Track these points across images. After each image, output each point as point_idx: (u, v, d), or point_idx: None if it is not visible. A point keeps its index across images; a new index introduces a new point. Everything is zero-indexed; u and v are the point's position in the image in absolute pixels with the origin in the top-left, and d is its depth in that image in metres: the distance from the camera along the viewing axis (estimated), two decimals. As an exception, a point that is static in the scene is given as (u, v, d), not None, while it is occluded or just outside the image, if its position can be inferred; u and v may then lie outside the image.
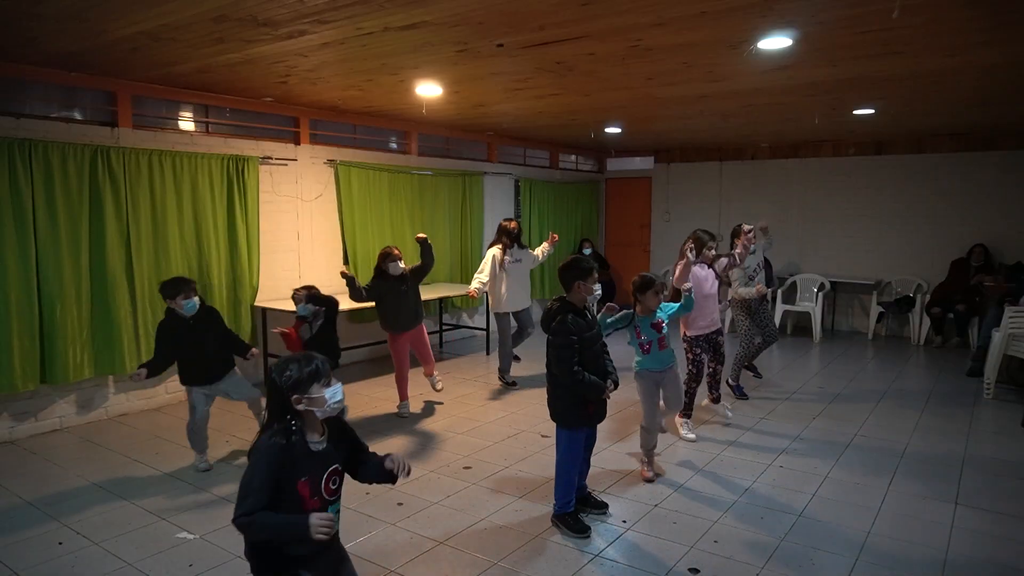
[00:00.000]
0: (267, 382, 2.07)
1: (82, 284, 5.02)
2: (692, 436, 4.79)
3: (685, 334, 4.90)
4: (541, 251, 6.40)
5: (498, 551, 3.25)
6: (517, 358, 6.56)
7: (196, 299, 4.13)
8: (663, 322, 4.01)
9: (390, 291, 5.24)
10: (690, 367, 4.91)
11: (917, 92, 5.54)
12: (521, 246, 6.35)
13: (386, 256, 5.22)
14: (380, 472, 2.24)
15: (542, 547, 3.30)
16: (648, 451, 4.11)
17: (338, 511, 2.17)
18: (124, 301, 5.24)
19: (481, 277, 6.12)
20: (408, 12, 3.41)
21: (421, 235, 5.39)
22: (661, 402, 4.10)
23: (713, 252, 4.93)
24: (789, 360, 7.48)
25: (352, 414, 5.39)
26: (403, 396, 5.50)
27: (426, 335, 5.63)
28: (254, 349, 4.45)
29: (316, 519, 1.96)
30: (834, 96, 5.73)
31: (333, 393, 2.07)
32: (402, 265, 5.24)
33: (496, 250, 6.16)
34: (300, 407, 2.04)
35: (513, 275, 6.19)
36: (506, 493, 3.92)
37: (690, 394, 4.88)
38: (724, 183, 10.13)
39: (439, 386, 5.71)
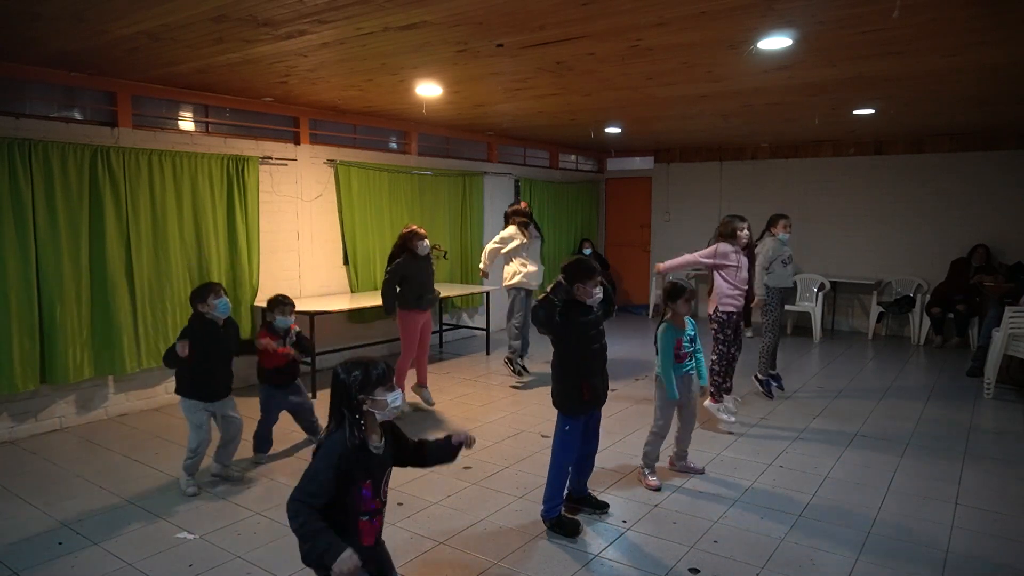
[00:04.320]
0: (333, 381, 2.18)
1: (82, 284, 5.02)
2: (732, 419, 4.80)
3: (716, 310, 4.87)
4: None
5: (498, 551, 3.25)
6: (525, 369, 6.47)
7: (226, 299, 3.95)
8: (694, 336, 4.05)
9: (419, 269, 5.26)
10: (719, 347, 4.89)
11: (917, 92, 5.54)
12: (537, 227, 6.57)
13: (412, 235, 5.22)
14: (446, 452, 2.44)
15: (542, 547, 3.30)
16: (652, 461, 4.05)
17: (383, 518, 2.30)
18: (124, 301, 5.24)
19: (490, 245, 6.42)
20: (408, 12, 3.41)
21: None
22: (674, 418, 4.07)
23: (746, 232, 4.93)
24: (789, 360, 7.48)
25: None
26: (401, 384, 5.30)
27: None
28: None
29: (350, 562, 2.01)
30: (834, 96, 5.73)
31: (395, 398, 2.18)
32: (428, 244, 5.29)
33: (514, 229, 6.33)
34: (364, 407, 2.14)
35: (530, 251, 6.36)
36: (506, 493, 3.92)
37: (721, 374, 4.89)
38: (724, 183, 10.13)
39: (432, 401, 5.60)
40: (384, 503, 2.25)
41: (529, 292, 6.42)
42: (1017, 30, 3.72)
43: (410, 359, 5.31)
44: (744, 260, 4.97)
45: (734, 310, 4.88)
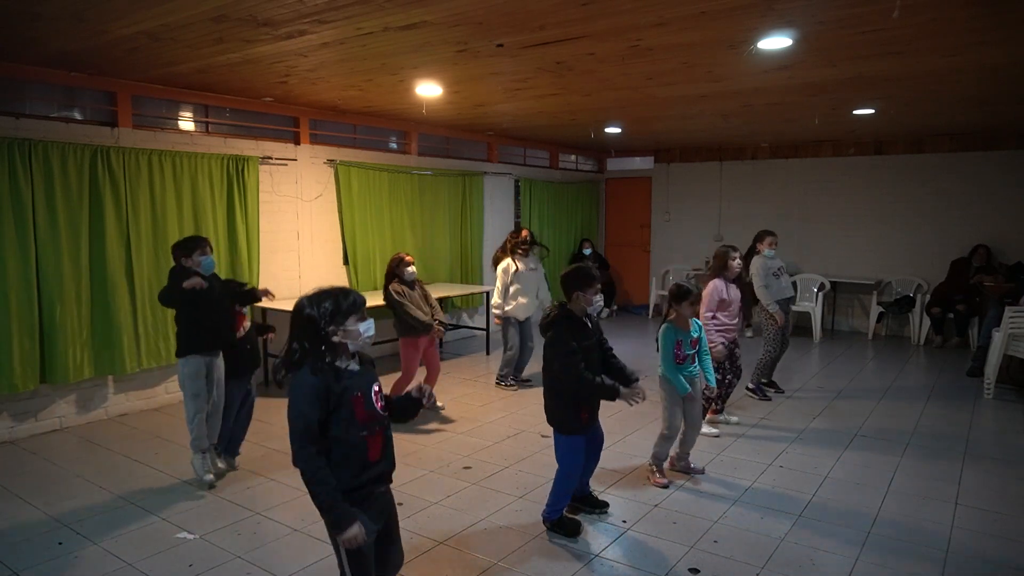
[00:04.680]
0: (296, 315, 2.08)
1: (82, 284, 5.02)
2: (715, 431, 4.84)
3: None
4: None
5: (498, 551, 3.25)
6: (527, 380, 6.41)
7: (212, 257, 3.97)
8: (699, 338, 4.04)
9: (416, 295, 5.29)
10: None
11: (917, 92, 5.54)
12: (538, 247, 6.44)
13: (400, 262, 5.23)
14: (410, 405, 2.30)
15: (542, 547, 3.30)
16: (660, 460, 4.08)
17: (390, 437, 2.22)
18: (124, 301, 5.24)
19: (496, 301, 6.24)
20: (408, 12, 3.41)
21: None
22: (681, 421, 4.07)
23: (737, 262, 4.92)
24: (789, 360, 7.46)
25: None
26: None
27: None
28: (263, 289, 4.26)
29: (357, 531, 2.01)
30: (834, 96, 5.73)
31: (367, 327, 2.10)
32: (413, 270, 5.28)
33: (508, 262, 6.18)
34: (335, 339, 2.05)
35: (524, 283, 6.20)
36: (506, 493, 3.92)
37: (709, 399, 4.90)
38: (724, 183, 10.13)
39: (440, 404, 5.63)
40: (384, 415, 2.18)
41: (519, 322, 6.24)
42: (1017, 30, 3.72)
43: (408, 382, 5.22)
44: (736, 293, 4.95)
45: (723, 342, 4.88)
